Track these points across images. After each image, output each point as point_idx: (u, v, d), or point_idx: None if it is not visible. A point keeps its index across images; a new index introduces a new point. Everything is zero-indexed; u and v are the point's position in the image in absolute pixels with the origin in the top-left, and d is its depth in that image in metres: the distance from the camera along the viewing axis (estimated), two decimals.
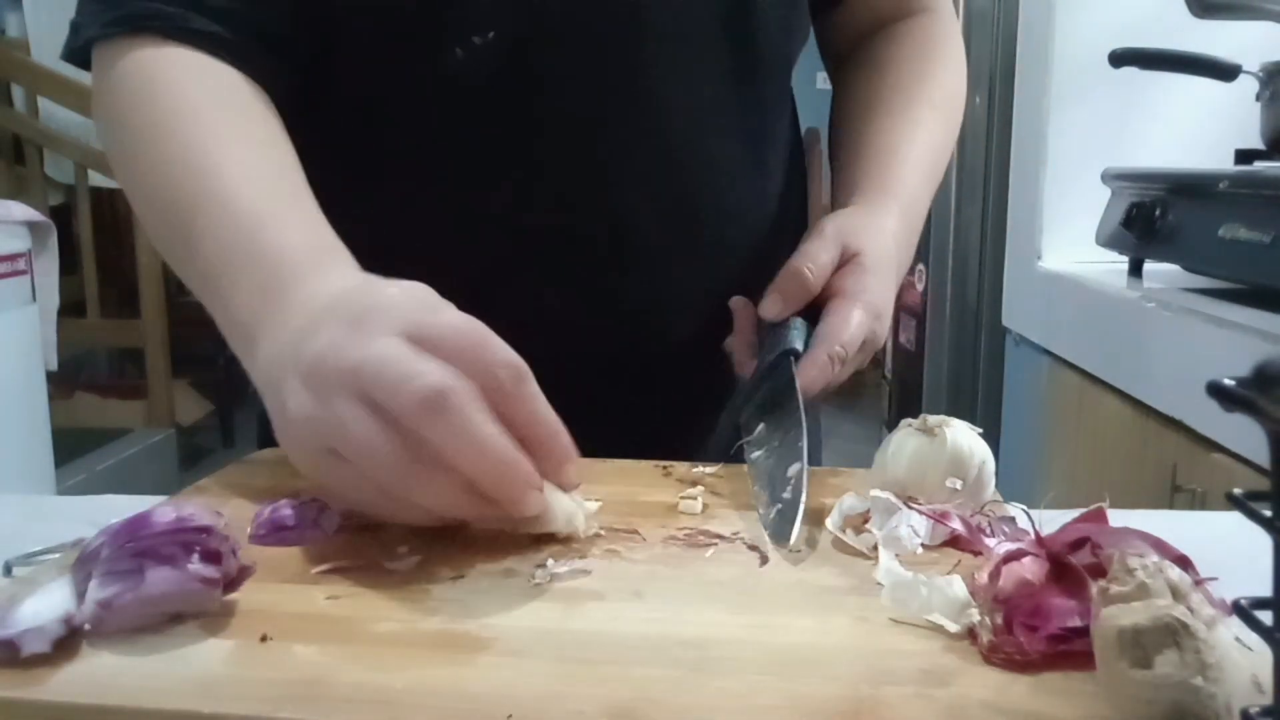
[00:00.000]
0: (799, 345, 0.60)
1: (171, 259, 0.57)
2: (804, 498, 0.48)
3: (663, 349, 0.71)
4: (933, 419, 0.52)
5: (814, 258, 0.62)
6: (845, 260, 0.63)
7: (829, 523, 0.49)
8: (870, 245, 0.64)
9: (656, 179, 0.67)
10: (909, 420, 0.53)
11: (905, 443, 0.52)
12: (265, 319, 0.49)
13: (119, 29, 0.59)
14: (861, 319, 0.60)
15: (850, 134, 0.75)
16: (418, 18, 0.62)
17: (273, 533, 0.48)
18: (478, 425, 0.41)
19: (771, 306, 0.61)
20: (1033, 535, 0.42)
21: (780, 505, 0.50)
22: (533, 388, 0.43)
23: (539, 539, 0.48)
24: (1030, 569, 0.39)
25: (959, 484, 0.50)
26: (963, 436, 0.51)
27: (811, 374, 0.58)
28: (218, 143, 0.55)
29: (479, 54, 0.62)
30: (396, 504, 0.44)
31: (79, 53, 0.62)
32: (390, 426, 0.41)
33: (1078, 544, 0.40)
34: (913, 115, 0.74)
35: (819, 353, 0.58)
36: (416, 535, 0.48)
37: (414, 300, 0.45)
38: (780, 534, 0.48)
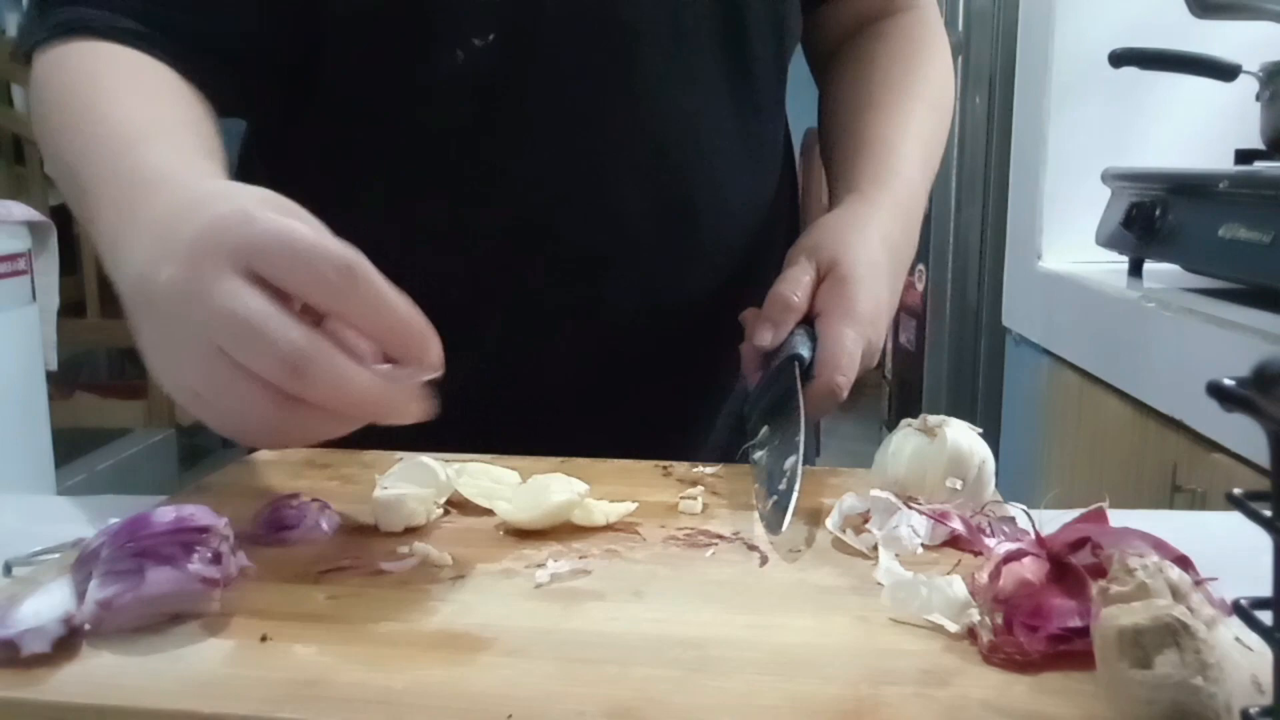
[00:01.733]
0: (803, 351, 0.60)
1: (76, 212, 0.55)
2: (797, 487, 0.49)
3: (659, 348, 0.71)
4: (932, 419, 0.52)
5: (795, 280, 0.63)
6: (825, 273, 0.63)
7: (829, 523, 0.49)
8: (848, 254, 0.64)
9: (652, 180, 0.67)
10: (909, 420, 0.53)
11: (905, 443, 0.52)
12: (121, 233, 0.47)
13: (56, 34, 0.59)
14: (854, 336, 0.60)
15: (841, 130, 0.75)
16: (415, 21, 0.62)
17: (272, 532, 0.48)
18: (341, 375, 0.40)
19: (764, 335, 0.62)
20: (1033, 535, 0.42)
21: (775, 497, 0.50)
22: (369, 281, 0.41)
23: (538, 538, 0.48)
24: (1030, 569, 0.39)
25: (959, 484, 0.50)
26: (962, 436, 0.51)
27: (818, 402, 0.58)
28: (115, 93, 0.55)
29: (478, 56, 0.62)
30: (272, 439, 0.43)
31: (24, 56, 0.62)
32: (259, 383, 0.40)
33: (1078, 544, 0.40)
34: (904, 108, 0.74)
35: (822, 383, 0.59)
36: (416, 536, 0.48)
37: (234, 218, 0.42)
38: (773, 524, 0.48)
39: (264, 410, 0.40)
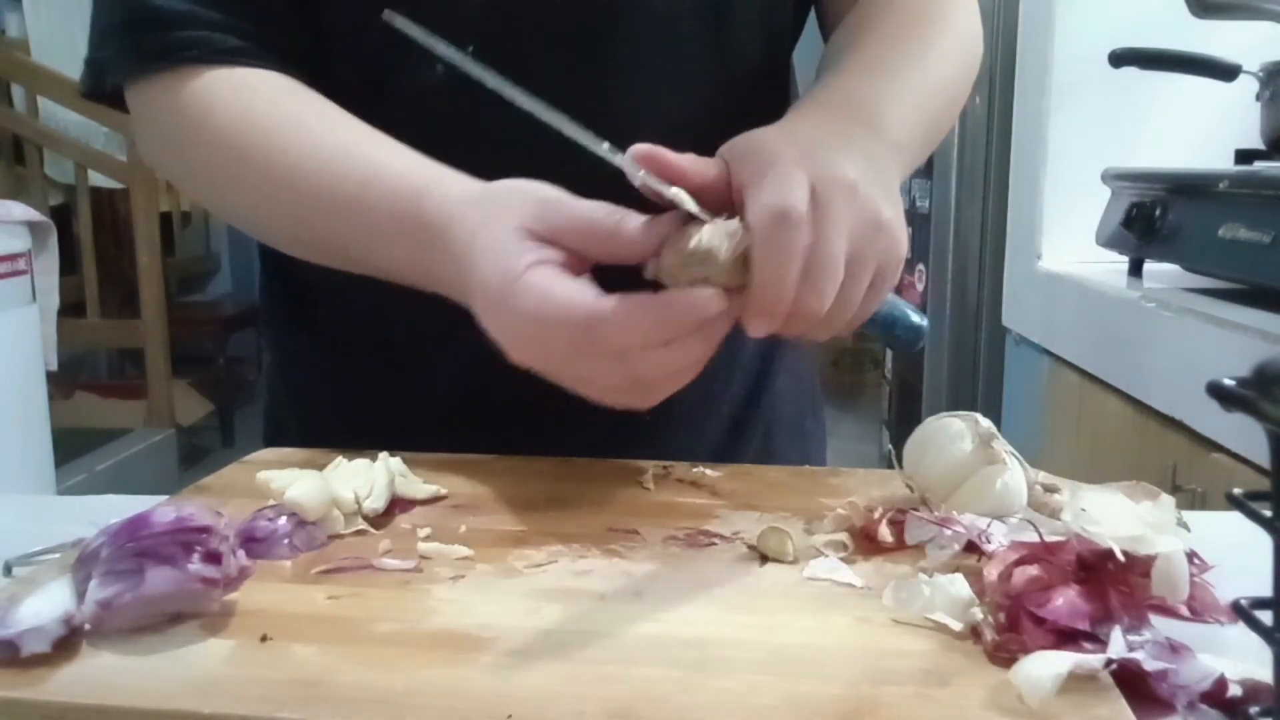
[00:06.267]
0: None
1: (340, 257, 0.60)
2: None
3: None
4: (1001, 444, 0.49)
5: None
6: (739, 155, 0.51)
7: (831, 528, 0.49)
8: (775, 132, 0.52)
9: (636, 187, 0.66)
10: (981, 421, 0.49)
11: (953, 447, 0.49)
12: (437, 265, 0.53)
13: (156, 66, 0.59)
14: (780, 207, 0.46)
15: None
16: (393, 35, 0.62)
17: (243, 544, 0.45)
18: (643, 318, 0.45)
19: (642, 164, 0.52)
20: (1039, 540, 0.42)
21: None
22: (627, 239, 0.49)
23: (538, 538, 0.48)
24: (1042, 570, 0.39)
25: (1009, 522, 0.46)
26: (1020, 478, 0.48)
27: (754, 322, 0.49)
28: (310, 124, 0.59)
29: (457, 68, 0.62)
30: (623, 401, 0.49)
31: (100, 85, 0.61)
32: (601, 361, 0.46)
33: (1107, 555, 0.39)
34: (905, 50, 0.63)
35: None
36: (415, 537, 0.48)
37: (511, 205, 0.52)
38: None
39: (604, 383, 0.48)
